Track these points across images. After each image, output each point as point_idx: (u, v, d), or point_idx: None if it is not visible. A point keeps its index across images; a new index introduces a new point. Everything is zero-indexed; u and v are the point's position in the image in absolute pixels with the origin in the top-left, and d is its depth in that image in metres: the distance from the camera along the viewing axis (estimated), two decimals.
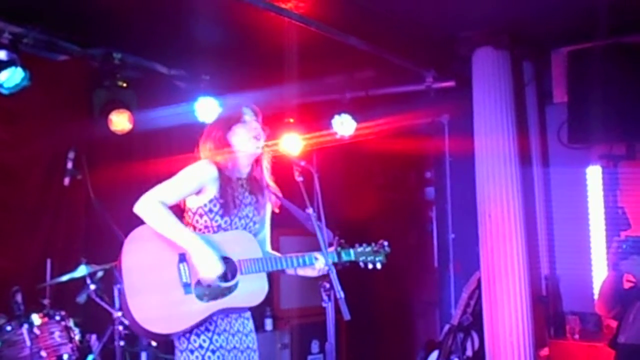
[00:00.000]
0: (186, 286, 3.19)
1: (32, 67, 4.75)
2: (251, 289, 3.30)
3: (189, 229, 3.27)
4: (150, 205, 3.20)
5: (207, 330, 3.26)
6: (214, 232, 3.32)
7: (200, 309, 3.20)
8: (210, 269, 3.17)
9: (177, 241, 3.19)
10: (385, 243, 3.48)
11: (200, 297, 3.21)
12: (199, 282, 3.22)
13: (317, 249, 3.29)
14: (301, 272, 3.48)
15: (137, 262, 3.19)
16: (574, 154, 5.87)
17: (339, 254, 3.40)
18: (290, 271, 3.49)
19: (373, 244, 3.48)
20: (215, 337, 3.26)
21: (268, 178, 3.51)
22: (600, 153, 5.71)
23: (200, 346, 3.23)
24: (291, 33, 5.01)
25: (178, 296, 3.18)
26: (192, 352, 3.23)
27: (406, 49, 5.71)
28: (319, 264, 3.33)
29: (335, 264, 3.32)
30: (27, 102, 5.05)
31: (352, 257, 3.44)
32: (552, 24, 5.36)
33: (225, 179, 3.33)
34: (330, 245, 3.37)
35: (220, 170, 3.32)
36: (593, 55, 5.37)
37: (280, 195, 3.50)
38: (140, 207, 3.21)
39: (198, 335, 3.24)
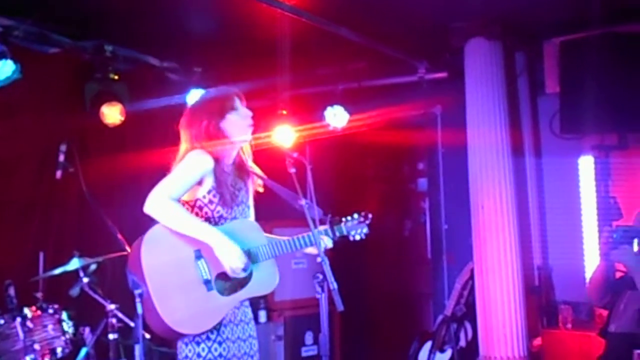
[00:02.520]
0: (207, 283, 3.18)
1: (22, 60, 4.72)
2: (265, 276, 3.33)
3: (205, 222, 3.23)
4: (162, 203, 3.15)
5: None
6: (216, 222, 3.29)
7: (224, 303, 3.21)
8: (235, 261, 3.16)
9: (197, 236, 3.16)
10: (370, 215, 3.47)
11: (221, 292, 3.21)
12: (218, 277, 3.21)
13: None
14: (305, 250, 3.46)
15: (157, 265, 3.14)
16: (566, 144, 5.88)
17: (333, 231, 3.40)
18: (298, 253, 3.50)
19: (357, 215, 3.45)
20: (222, 328, 3.25)
21: (250, 161, 3.50)
22: (593, 143, 5.71)
23: (208, 337, 3.22)
24: (283, 25, 4.99)
25: (202, 294, 3.17)
26: (198, 344, 3.22)
27: (398, 40, 5.71)
28: (322, 242, 3.31)
29: (333, 241, 3.39)
30: (18, 95, 5.02)
31: (344, 232, 3.43)
32: (544, 14, 5.36)
33: (220, 169, 3.30)
34: (323, 223, 3.37)
35: (215, 159, 3.28)
36: (585, 45, 5.37)
37: (264, 176, 3.49)
38: (152, 207, 3.16)
39: None
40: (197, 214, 3.30)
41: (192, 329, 3.17)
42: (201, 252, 3.20)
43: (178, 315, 3.11)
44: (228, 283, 3.23)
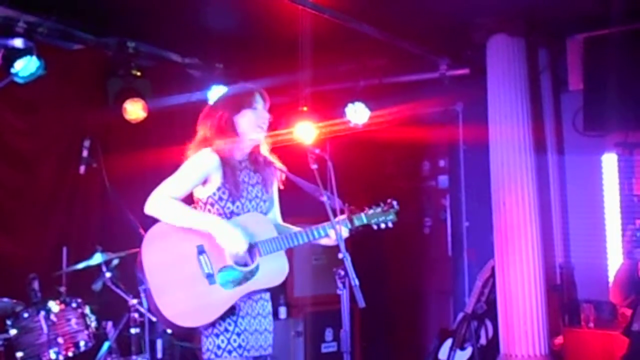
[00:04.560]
0: (209, 277, 3.21)
1: (46, 56, 4.77)
2: (272, 269, 3.32)
3: (205, 213, 3.29)
4: (161, 201, 3.22)
5: (232, 313, 3.27)
6: (227, 218, 3.32)
7: (227, 296, 3.23)
8: (236, 245, 3.19)
9: (198, 226, 3.20)
10: (395, 202, 3.44)
11: (224, 285, 3.23)
12: (221, 271, 3.23)
13: None
14: (320, 241, 3.45)
15: (158, 262, 3.20)
16: (589, 141, 5.84)
17: (351, 221, 3.38)
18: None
19: (382, 204, 3.44)
20: (240, 320, 3.29)
21: (269, 155, 3.50)
22: (616, 141, 5.67)
23: (226, 329, 3.26)
24: (305, 21, 4.99)
25: (203, 288, 3.20)
26: (217, 336, 3.26)
27: (420, 36, 5.69)
28: (333, 234, 3.31)
29: (349, 230, 3.35)
30: (42, 91, 5.08)
31: (364, 221, 3.41)
32: (568, 10, 5.32)
33: (228, 166, 3.32)
34: (342, 212, 3.36)
35: (222, 157, 3.31)
36: (609, 42, 5.32)
37: (285, 169, 3.50)
38: (151, 206, 3.23)
39: (223, 319, 3.26)
40: (209, 211, 3.34)
41: (192, 322, 3.21)
42: (203, 247, 3.25)
43: (178, 309, 3.16)
44: (232, 276, 3.25)
